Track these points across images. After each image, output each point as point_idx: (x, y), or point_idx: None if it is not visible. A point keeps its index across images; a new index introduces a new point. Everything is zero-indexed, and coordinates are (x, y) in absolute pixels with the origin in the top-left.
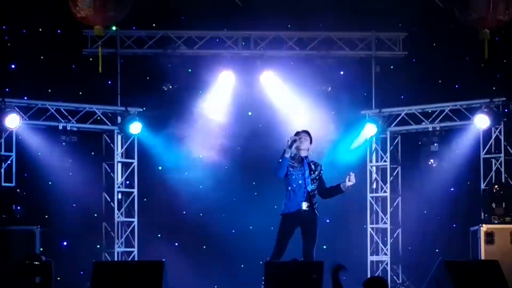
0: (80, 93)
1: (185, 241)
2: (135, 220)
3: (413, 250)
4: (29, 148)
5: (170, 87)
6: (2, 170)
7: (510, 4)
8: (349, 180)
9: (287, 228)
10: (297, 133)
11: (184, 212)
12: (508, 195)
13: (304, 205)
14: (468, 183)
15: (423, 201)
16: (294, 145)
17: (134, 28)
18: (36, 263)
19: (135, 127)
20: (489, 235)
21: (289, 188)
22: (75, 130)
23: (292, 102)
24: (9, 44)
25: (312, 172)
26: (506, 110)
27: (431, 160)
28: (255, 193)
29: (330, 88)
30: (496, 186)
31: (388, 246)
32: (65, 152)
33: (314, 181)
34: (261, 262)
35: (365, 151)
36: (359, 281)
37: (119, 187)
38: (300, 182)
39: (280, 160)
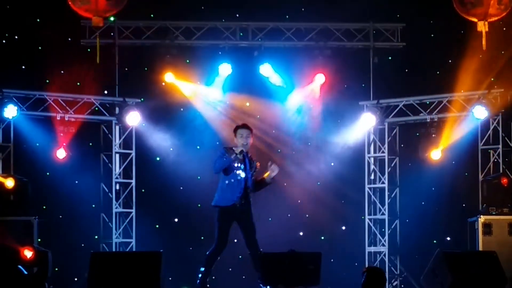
0: (78, 83)
1: (183, 232)
2: (133, 211)
3: (411, 241)
4: (27, 138)
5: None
6: (0, 161)
7: None
8: (272, 171)
9: (225, 222)
10: (237, 129)
11: (182, 203)
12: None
13: (241, 200)
14: (466, 174)
15: (421, 192)
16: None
17: (132, 18)
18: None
19: (133, 118)
20: (487, 226)
21: (226, 181)
22: (73, 120)
23: (290, 93)
24: (7, 35)
25: (251, 169)
26: (504, 101)
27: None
28: None
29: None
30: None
31: (386, 237)
32: (63, 142)
33: (252, 177)
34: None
35: (363, 142)
36: (356, 272)
37: (117, 178)
38: (239, 178)
39: (225, 159)
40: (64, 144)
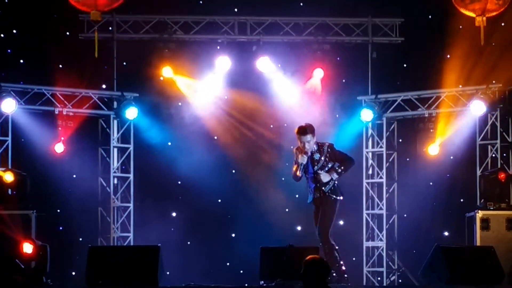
0: (76, 78)
1: (181, 226)
2: (131, 205)
3: (409, 236)
4: (25, 132)
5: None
6: None
7: None
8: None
9: (314, 215)
10: (298, 135)
11: (180, 198)
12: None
13: (317, 194)
14: (464, 169)
15: (419, 187)
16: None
17: (130, 12)
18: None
19: (131, 112)
20: (485, 221)
21: (305, 179)
22: (71, 115)
23: (288, 88)
24: (5, 29)
25: (316, 164)
26: (502, 97)
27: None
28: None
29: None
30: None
31: (384, 232)
32: (61, 136)
33: (319, 171)
34: (261, 246)
35: (361, 137)
36: (355, 267)
37: (115, 172)
38: (307, 176)
39: (298, 174)
40: (62, 138)
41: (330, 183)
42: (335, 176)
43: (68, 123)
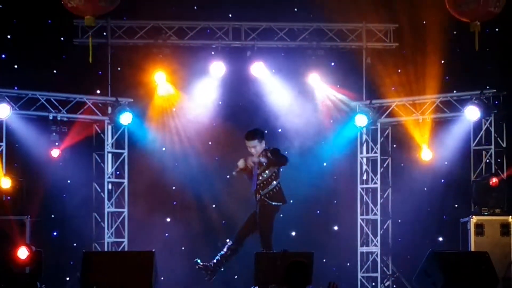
0: (71, 83)
1: (175, 232)
2: (125, 210)
3: (403, 242)
4: (19, 138)
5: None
6: None
7: None
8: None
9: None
10: (245, 140)
11: (174, 203)
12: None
13: (257, 197)
14: (459, 174)
15: (413, 193)
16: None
17: (124, 18)
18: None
19: (126, 118)
20: (479, 227)
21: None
22: (65, 120)
23: (282, 93)
24: None
25: (259, 167)
26: (496, 102)
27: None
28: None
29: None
30: (494, 180)
31: (378, 237)
32: (55, 142)
33: (262, 175)
34: (255, 252)
35: (355, 142)
36: (349, 273)
37: (109, 177)
38: (252, 179)
39: (234, 173)
40: (57, 143)
41: (270, 186)
42: (262, 159)
43: (62, 129)
